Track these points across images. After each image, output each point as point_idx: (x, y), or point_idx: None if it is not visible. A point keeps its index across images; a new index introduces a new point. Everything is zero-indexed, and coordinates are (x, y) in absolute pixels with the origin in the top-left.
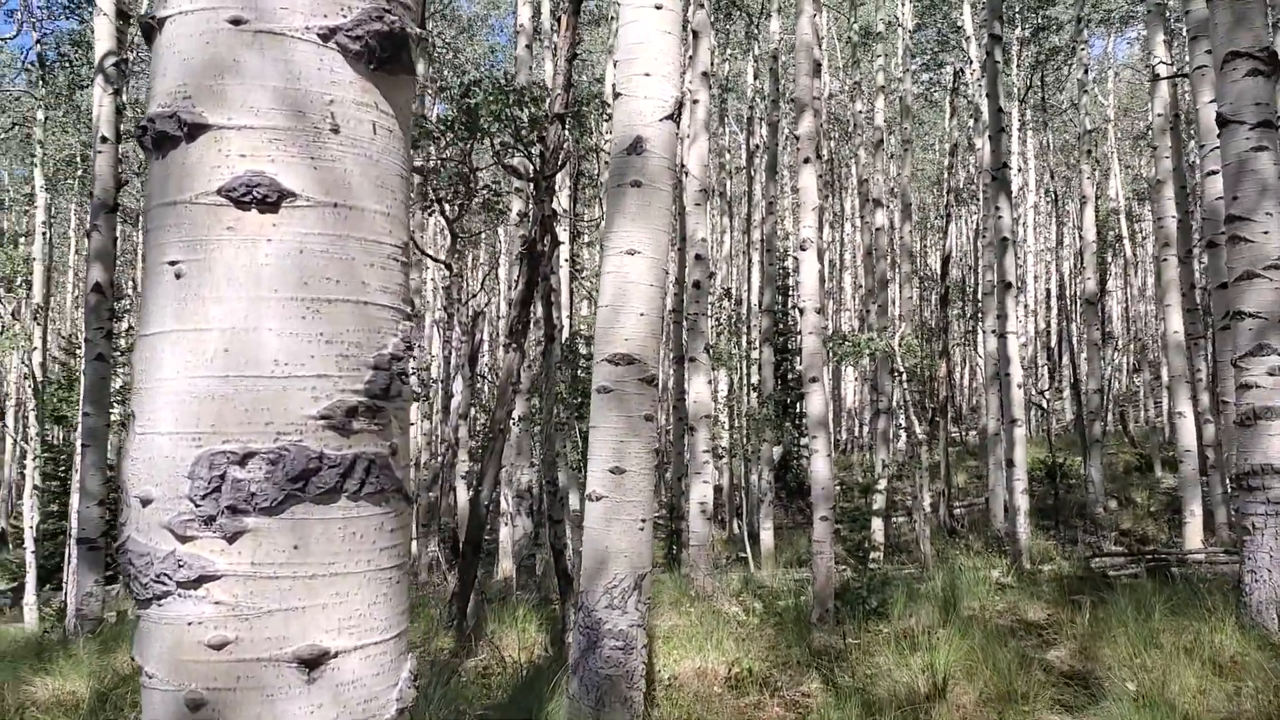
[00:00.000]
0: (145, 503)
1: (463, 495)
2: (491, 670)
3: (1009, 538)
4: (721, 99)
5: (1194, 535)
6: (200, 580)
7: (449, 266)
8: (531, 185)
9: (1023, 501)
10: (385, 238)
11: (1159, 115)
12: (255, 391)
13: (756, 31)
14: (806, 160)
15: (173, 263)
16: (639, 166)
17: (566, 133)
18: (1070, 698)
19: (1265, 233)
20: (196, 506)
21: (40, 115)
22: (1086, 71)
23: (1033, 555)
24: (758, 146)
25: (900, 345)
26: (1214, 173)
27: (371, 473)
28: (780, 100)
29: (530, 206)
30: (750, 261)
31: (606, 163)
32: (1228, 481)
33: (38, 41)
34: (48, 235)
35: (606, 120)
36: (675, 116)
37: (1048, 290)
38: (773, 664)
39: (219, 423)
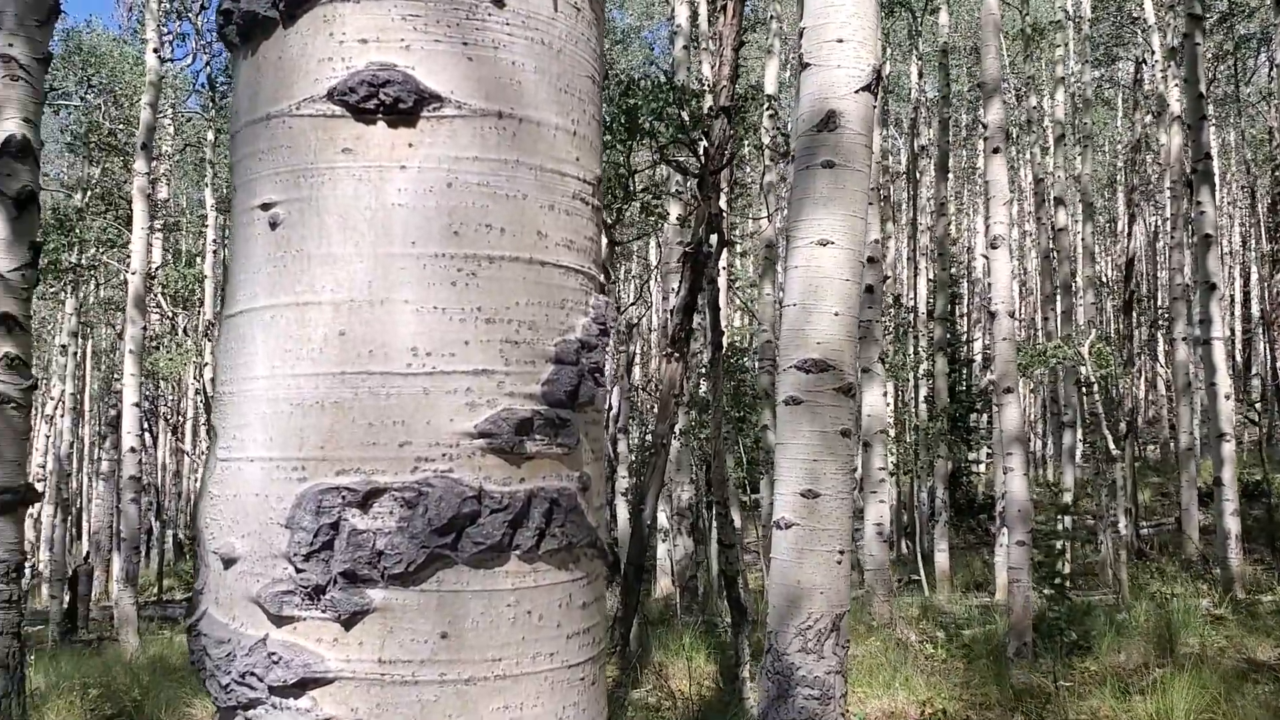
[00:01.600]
0: (228, 562)
1: (622, 512)
2: (660, 705)
3: (1211, 563)
4: (883, 101)
5: None
6: (303, 685)
7: (607, 273)
8: (696, 183)
9: (1233, 524)
10: (570, 167)
11: None
12: (383, 396)
13: (919, 30)
14: (996, 150)
15: (266, 206)
16: (831, 144)
17: (731, 129)
18: None
19: None
20: (298, 571)
21: (210, 136)
22: None
23: (1245, 583)
24: (921, 148)
25: (1090, 353)
26: None
27: (554, 519)
28: (950, 97)
29: (691, 209)
30: (916, 268)
31: (768, 165)
32: None
33: (207, 64)
34: (219, 254)
35: (770, 117)
36: (873, 87)
37: (1230, 296)
38: (968, 704)
39: (330, 444)
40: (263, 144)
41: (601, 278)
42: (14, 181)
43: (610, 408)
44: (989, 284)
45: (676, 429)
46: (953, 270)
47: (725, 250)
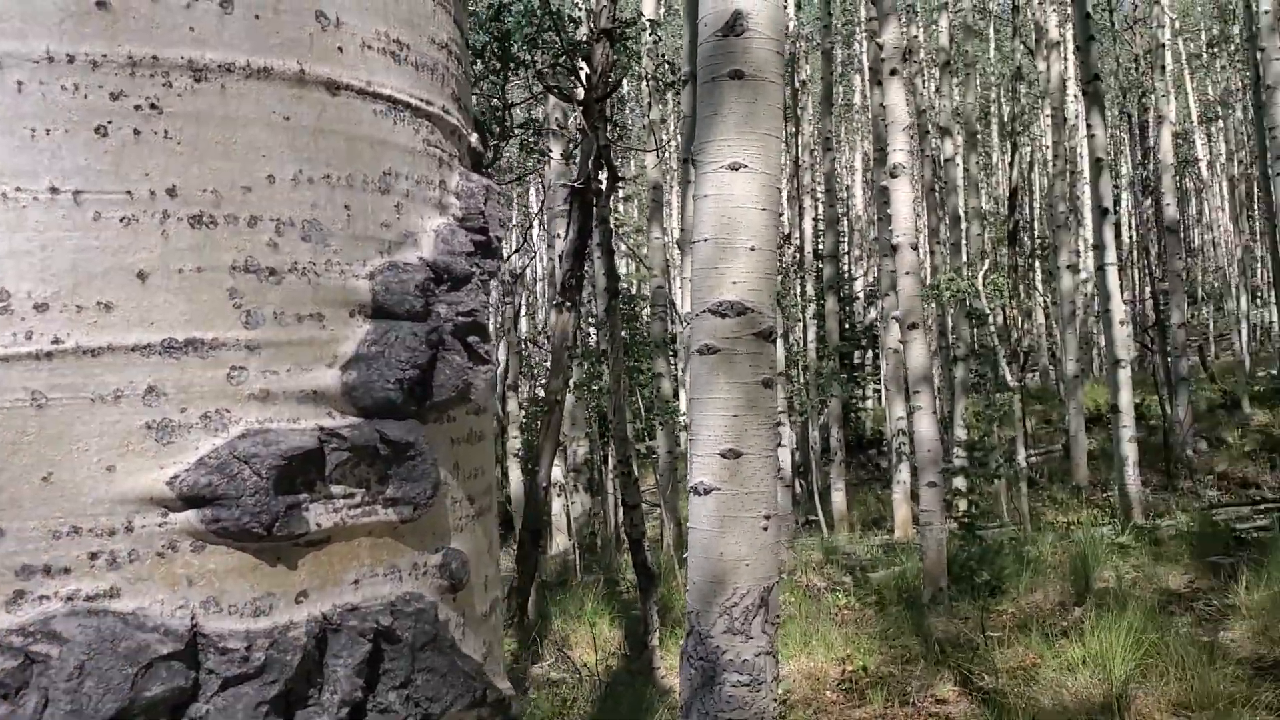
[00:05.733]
0: None
1: (515, 474)
2: (563, 681)
3: (1103, 488)
4: None
5: None
6: None
7: (482, 147)
8: (580, 112)
9: (1130, 450)
10: None
11: (1266, 12)
12: None
13: None
14: (893, 73)
15: None
16: (739, 52)
17: (613, 54)
18: None
19: None
20: None
21: None
22: None
23: (1144, 509)
24: (803, 83)
25: (986, 285)
26: None
27: (389, 672)
28: (831, 27)
29: (576, 144)
30: (800, 207)
31: (648, 103)
32: None
33: None
34: None
35: (655, 43)
36: None
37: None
38: (890, 659)
39: None
40: None
41: (474, 137)
42: None
43: (498, 364)
44: (870, 220)
45: (570, 383)
46: (835, 208)
47: (617, 187)
